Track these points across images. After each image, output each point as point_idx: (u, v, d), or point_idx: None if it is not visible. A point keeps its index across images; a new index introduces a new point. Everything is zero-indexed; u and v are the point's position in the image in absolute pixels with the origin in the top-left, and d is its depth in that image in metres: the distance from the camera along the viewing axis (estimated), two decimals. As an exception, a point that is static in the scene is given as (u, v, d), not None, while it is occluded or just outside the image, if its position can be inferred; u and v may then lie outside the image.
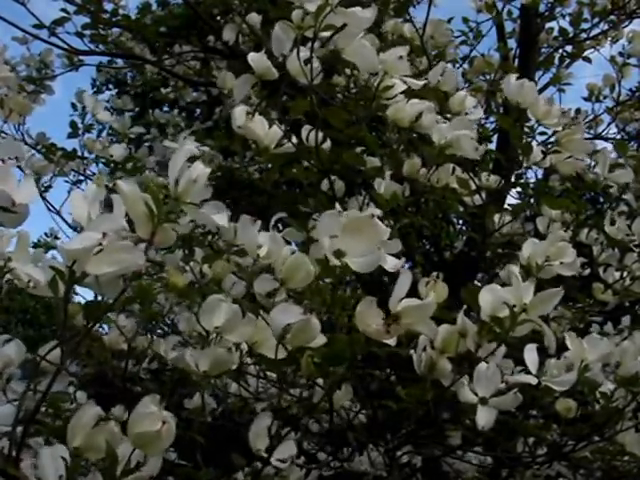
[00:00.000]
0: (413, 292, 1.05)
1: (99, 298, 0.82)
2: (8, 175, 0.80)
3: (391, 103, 1.51)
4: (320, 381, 1.12)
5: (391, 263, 1.01)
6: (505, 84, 1.62)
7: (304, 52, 1.38)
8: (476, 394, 1.13)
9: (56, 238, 4.85)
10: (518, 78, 1.61)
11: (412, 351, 1.18)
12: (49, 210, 2.56)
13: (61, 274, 0.77)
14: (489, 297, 1.08)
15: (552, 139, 1.70)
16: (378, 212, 0.97)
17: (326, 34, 1.33)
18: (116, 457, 0.82)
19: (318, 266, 1.01)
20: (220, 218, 0.84)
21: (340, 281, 1.01)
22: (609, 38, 3.02)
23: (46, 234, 5.33)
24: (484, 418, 1.11)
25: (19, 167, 2.09)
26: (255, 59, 1.49)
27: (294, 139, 1.60)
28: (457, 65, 2.91)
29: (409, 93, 1.54)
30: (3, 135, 2.27)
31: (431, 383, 1.18)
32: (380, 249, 0.95)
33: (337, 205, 1.02)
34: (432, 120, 1.54)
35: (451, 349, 1.15)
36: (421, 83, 1.54)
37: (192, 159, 0.86)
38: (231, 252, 1.42)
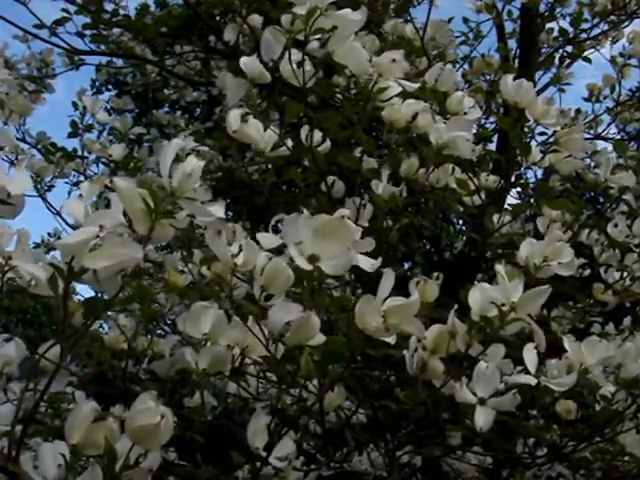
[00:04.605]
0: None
1: (98, 295, 0.82)
2: (-1, 167, 0.80)
3: (386, 105, 1.51)
4: (315, 382, 1.11)
5: (367, 263, 0.99)
6: (503, 84, 1.62)
7: (297, 55, 1.37)
8: (475, 394, 1.12)
9: (59, 239, 4.86)
10: (517, 78, 1.61)
11: (405, 352, 1.17)
12: (50, 211, 2.57)
13: (60, 270, 0.77)
14: (478, 296, 1.08)
15: (552, 139, 1.70)
16: (347, 212, 0.95)
17: (324, 35, 1.33)
18: (115, 453, 0.82)
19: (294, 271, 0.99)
20: (217, 210, 0.84)
21: (320, 284, 0.99)
22: (609, 38, 3.03)
23: (49, 234, 5.34)
24: (482, 419, 1.10)
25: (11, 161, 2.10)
26: (247, 63, 1.48)
27: (294, 139, 1.60)
28: (457, 65, 2.91)
29: (407, 94, 1.54)
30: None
31: (426, 384, 1.17)
32: (351, 250, 0.93)
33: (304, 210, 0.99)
34: (428, 120, 1.53)
35: (442, 349, 1.13)
36: (415, 85, 1.54)
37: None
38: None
